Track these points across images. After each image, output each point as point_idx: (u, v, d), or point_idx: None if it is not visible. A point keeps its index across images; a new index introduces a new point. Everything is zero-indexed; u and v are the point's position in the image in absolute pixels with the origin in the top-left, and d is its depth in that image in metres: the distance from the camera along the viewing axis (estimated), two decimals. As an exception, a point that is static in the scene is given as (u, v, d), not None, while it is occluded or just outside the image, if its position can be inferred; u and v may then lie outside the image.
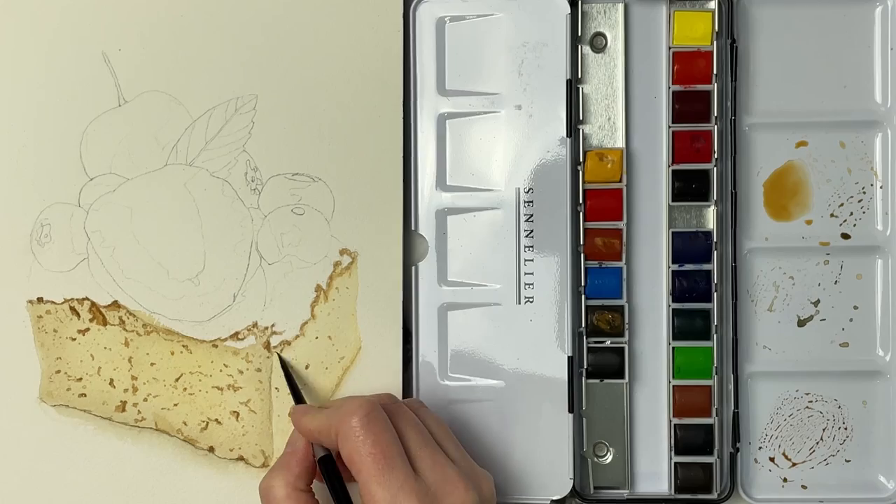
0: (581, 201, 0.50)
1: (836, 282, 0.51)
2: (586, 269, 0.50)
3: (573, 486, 0.50)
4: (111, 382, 0.51)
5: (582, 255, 0.50)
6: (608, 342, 0.50)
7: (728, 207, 0.50)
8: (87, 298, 0.51)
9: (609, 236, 0.50)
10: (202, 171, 0.51)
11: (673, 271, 0.50)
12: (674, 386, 0.50)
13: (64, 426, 0.51)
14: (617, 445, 0.51)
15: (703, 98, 0.50)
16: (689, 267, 0.50)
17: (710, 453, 0.50)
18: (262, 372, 0.51)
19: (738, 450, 0.50)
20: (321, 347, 0.51)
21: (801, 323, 0.51)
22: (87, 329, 0.51)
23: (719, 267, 0.50)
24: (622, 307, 0.50)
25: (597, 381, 0.51)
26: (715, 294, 0.50)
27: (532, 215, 0.50)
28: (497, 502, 0.45)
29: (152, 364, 0.51)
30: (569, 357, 0.50)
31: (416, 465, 0.43)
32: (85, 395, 0.51)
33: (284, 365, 0.50)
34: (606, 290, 0.50)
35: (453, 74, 0.51)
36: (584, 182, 0.50)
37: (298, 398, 0.49)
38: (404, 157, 0.50)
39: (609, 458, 0.51)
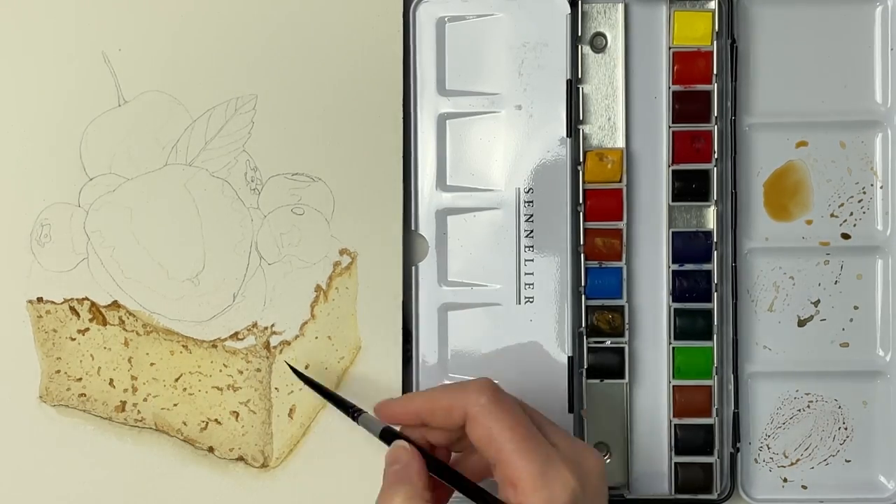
0: (581, 201, 0.50)
1: (836, 282, 0.51)
2: (586, 269, 0.50)
3: (573, 486, 0.50)
4: (111, 382, 0.51)
5: (582, 255, 0.50)
6: (608, 342, 0.50)
7: (728, 207, 0.50)
8: (86, 298, 0.51)
9: (609, 236, 0.50)
10: (202, 171, 0.51)
11: (673, 271, 0.50)
12: (674, 386, 0.50)
13: (64, 426, 0.51)
14: (617, 445, 0.51)
15: (703, 98, 0.50)
16: (689, 267, 0.50)
17: (711, 453, 0.50)
18: (262, 372, 0.51)
19: (738, 450, 0.50)
20: (321, 347, 0.51)
21: (802, 323, 0.51)
22: (87, 329, 0.51)
23: (719, 267, 0.50)
24: (622, 307, 0.50)
25: (597, 381, 0.50)
26: (715, 294, 0.50)
27: (532, 215, 0.50)
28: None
29: (152, 364, 0.51)
30: (569, 357, 0.50)
31: (547, 438, 0.42)
32: (85, 395, 0.51)
33: (312, 381, 0.49)
34: (606, 290, 0.50)
35: (453, 74, 0.51)
36: (584, 182, 0.50)
37: (343, 403, 0.47)
38: (404, 157, 0.50)
39: (609, 458, 0.51)
